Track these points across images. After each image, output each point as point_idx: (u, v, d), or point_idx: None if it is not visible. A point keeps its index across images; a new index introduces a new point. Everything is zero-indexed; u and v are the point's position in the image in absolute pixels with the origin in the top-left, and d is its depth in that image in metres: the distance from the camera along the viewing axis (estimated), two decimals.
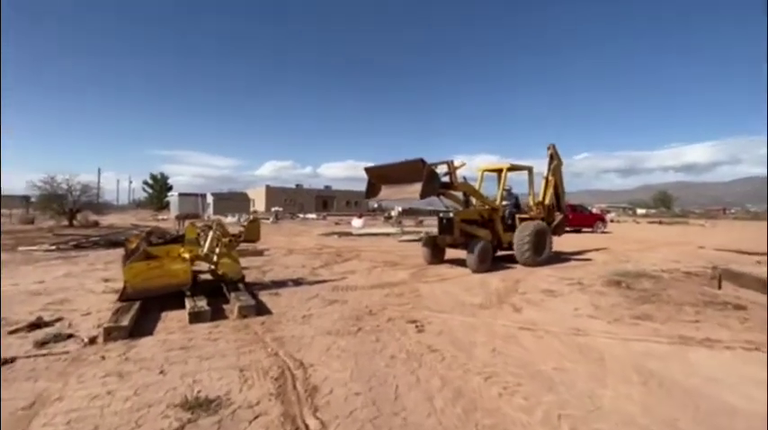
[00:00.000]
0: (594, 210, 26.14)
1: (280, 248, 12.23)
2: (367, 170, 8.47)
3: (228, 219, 31.60)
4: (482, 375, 3.03)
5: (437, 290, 6.23)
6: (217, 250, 5.71)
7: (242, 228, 5.96)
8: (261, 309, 4.81)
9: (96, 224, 23.71)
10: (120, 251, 9.07)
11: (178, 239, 7.44)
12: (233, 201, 47.51)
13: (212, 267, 5.68)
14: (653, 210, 70.94)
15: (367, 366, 3.18)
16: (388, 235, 18.59)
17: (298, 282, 6.70)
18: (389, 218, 36.00)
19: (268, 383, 2.86)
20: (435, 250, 9.05)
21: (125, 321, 3.84)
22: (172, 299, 4.91)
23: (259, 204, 53.53)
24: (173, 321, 4.42)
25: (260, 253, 10.71)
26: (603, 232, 21.84)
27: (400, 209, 50.34)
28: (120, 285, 5.52)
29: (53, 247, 11.08)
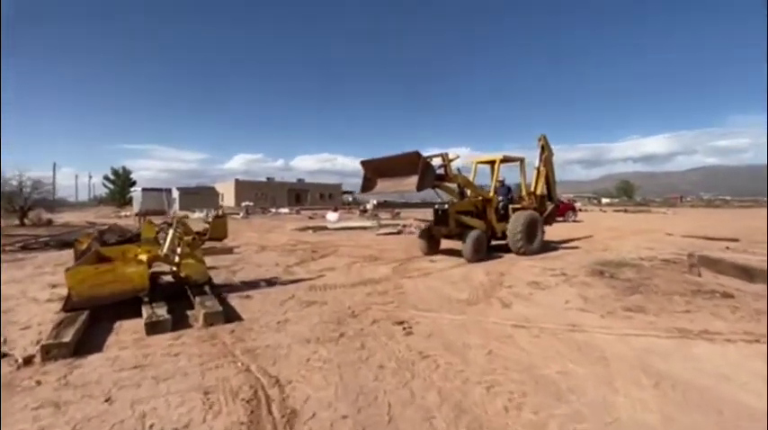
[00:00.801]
0: (564, 200, 26.70)
1: (251, 245, 11.61)
2: (363, 164, 8.47)
3: (196, 215, 30.23)
4: (483, 385, 2.72)
5: (421, 285, 5.91)
6: (179, 250, 5.16)
7: (207, 225, 5.42)
8: (230, 316, 4.33)
9: (50, 222, 22.05)
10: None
11: (136, 238, 6.80)
12: (200, 195, 45.73)
13: (174, 269, 5.13)
14: (616, 200, 73.89)
15: (353, 380, 2.81)
16: (365, 228, 18.18)
17: (271, 283, 6.21)
18: (365, 211, 35.60)
19: (238, 408, 2.44)
20: (431, 241, 9.13)
21: (67, 336, 3.29)
22: (129, 306, 4.35)
23: (228, 199, 51.79)
24: (127, 333, 3.88)
25: (229, 250, 10.08)
26: (574, 221, 22.30)
27: (375, 202, 49.96)
28: None
29: None
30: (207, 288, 5.14)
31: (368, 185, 8.51)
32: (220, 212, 6.33)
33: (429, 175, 7.55)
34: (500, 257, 8.56)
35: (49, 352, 3.15)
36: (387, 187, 8.28)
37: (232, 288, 5.87)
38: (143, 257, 4.89)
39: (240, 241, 12.46)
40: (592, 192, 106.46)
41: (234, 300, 5.13)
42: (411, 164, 7.35)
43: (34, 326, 4.08)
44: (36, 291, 5.73)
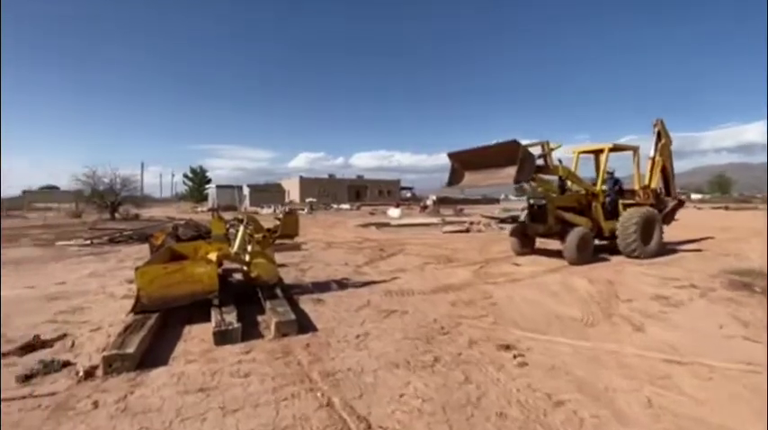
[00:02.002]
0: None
1: (317, 242, 11.36)
2: (451, 156, 7.87)
3: (264, 211, 31.41)
4: None
5: (514, 295, 5.04)
6: (249, 248, 4.79)
7: (278, 222, 5.02)
8: (303, 324, 3.82)
9: (137, 217, 23.99)
10: None
11: (209, 235, 6.66)
12: (268, 192, 47.80)
13: (244, 268, 4.77)
14: (707, 195, 65.35)
15: None
16: (428, 225, 17.42)
17: (342, 284, 5.70)
18: (426, 207, 34.68)
19: None
20: (525, 239, 8.34)
21: (131, 347, 2.94)
22: (201, 307, 4.00)
23: (293, 195, 53.56)
24: (195, 341, 3.51)
25: (297, 247, 9.87)
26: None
27: (435, 197, 48.74)
28: None
29: (87, 242, 10.73)
30: (278, 290, 4.73)
31: (455, 178, 7.87)
32: (290, 209, 5.93)
33: (528, 166, 6.69)
34: (602, 261, 7.37)
35: (112, 364, 2.81)
36: (477, 180, 7.56)
37: (302, 289, 5.44)
38: (213, 256, 4.57)
39: (306, 237, 12.29)
40: (680, 188, 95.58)
41: (306, 304, 4.65)
42: (508, 153, 6.58)
43: (105, 327, 3.87)
44: (114, 286, 5.73)
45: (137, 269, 3.81)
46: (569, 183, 8.22)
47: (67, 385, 2.66)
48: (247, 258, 4.73)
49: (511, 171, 6.54)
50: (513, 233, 8.53)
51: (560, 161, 7.76)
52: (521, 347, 3.27)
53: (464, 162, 7.77)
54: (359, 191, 61.52)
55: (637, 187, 8.65)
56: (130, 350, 2.88)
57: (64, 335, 3.60)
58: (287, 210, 5.79)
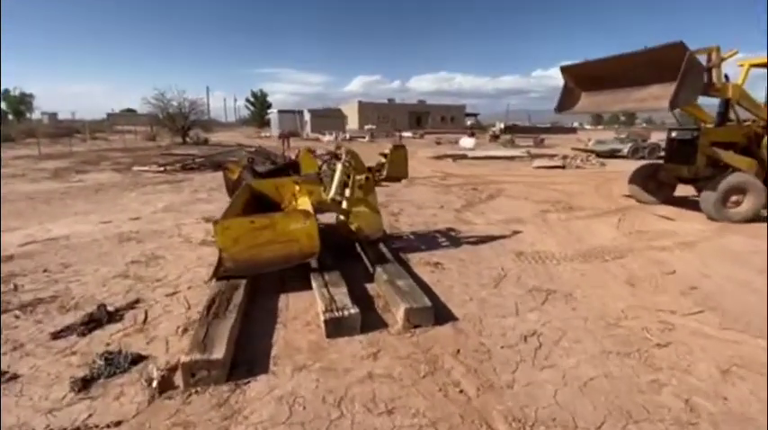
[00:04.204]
0: None
1: None
2: (565, 70, 6.00)
3: (326, 138, 30.50)
4: None
5: (709, 272, 3.56)
6: (347, 192, 3.69)
7: (382, 159, 3.83)
8: (435, 310, 2.73)
9: (206, 142, 24.12)
10: None
11: (289, 168, 5.69)
12: (329, 118, 46.51)
13: (341, 218, 3.72)
14: None
15: None
16: (512, 158, 15.48)
17: (453, 239, 4.55)
18: (497, 137, 31.81)
19: None
20: (656, 185, 6.54)
21: (218, 348, 2.02)
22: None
23: (351, 122, 51.86)
24: (297, 324, 2.59)
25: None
26: None
27: (502, 125, 44.65)
28: None
29: (161, 169, 10.43)
30: (382, 246, 3.68)
31: (568, 101, 6.07)
32: (398, 143, 4.65)
33: (694, 82, 4.68)
34: None
35: (195, 374, 1.92)
36: (603, 102, 5.77)
37: (406, 244, 4.38)
38: (305, 202, 3.55)
39: None
40: None
41: (420, 268, 3.58)
42: (665, 63, 4.58)
43: (183, 290, 3.08)
44: (190, 226, 5.04)
45: (215, 223, 2.86)
46: (734, 109, 5.98)
47: (137, 405, 1.82)
48: (345, 205, 3.65)
49: (663, 90, 4.62)
50: (634, 178, 6.71)
51: (727, 77, 5.57)
52: None
53: (584, 78, 5.90)
54: (420, 117, 58.28)
55: None
56: (218, 355, 1.96)
57: (135, 302, 2.84)
58: (397, 143, 4.56)
